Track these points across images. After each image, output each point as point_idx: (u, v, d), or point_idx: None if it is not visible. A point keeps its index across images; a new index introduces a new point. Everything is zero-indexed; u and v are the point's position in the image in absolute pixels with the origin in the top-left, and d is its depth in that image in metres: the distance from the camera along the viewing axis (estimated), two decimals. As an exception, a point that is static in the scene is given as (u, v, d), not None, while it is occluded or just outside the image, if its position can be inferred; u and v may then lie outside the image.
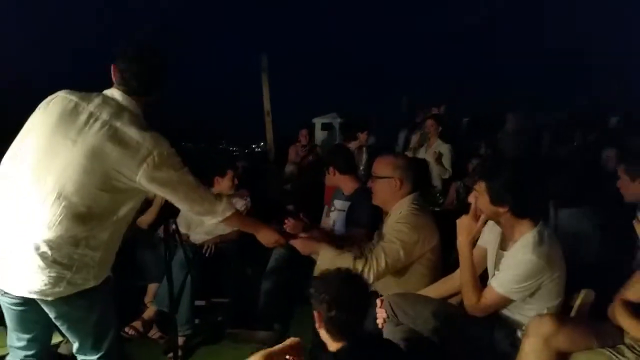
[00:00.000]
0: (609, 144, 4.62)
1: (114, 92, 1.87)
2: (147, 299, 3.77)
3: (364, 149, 5.57)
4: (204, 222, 3.94)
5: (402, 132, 6.85)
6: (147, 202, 4.13)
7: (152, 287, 3.78)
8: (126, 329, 3.42)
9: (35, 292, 1.77)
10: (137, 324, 3.47)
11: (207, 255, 3.72)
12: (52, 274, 1.75)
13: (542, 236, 2.17)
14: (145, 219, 4.03)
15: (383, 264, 2.55)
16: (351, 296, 1.74)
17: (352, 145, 5.47)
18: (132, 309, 3.66)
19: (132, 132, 1.78)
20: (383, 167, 2.79)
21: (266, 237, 2.38)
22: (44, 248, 1.74)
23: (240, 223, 2.33)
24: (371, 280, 2.55)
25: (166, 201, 3.67)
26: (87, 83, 2.00)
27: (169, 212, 3.13)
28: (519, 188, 2.18)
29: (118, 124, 1.78)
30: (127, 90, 1.87)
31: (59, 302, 1.81)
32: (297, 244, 2.74)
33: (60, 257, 1.75)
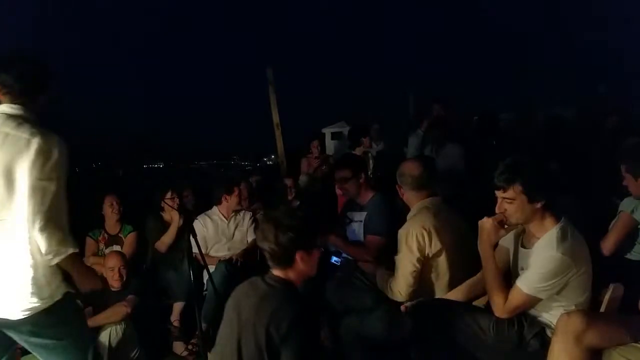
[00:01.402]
0: (631, 132, 4.54)
1: (1, 107, 1.97)
2: (173, 317, 3.81)
3: (369, 154, 5.54)
4: (224, 239, 4.03)
5: (412, 136, 6.80)
6: (164, 225, 4.19)
7: (177, 306, 3.83)
8: (189, 347, 3.56)
9: (3, 312, 1.91)
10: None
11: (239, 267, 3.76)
12: (10, 293, 1.91)
13: (566, 232, 2.16)
14: (164, 241, 4.07)
15: (402, 286, 2.62)
16: None
17: (357, 151, 5.46)
18: (159, 328, 3.73)
19: (20, 132, 1.88)
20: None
21: (85, 283, 2.14)
22: (1, 267, 1.91)
23: (75, 266, 2.04)
24: (402, 298, 2.62)
25: (184, 222, 3.73)
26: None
27: (187, 232, 3.17)
28: (551, 178, 2.23)
29: (7, 129, 1.88)
30: (12, 99, 1.96)
31: (24, 323, 1.93)
32: None
33: (11, 275, 1.91)
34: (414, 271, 2.62)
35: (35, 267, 1.91)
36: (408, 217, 2.82)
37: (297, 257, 1.94)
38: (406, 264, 2.63)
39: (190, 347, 3.54)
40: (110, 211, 4.20)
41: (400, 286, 2.66)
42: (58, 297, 1.98)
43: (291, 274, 1.98)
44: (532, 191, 2.16)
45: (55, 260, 1.91)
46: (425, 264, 2.65)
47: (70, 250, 1.93)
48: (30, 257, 1.90)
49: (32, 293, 1.91)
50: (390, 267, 3.16)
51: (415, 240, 2.61)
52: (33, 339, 1.97)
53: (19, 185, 1.85)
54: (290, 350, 1.78)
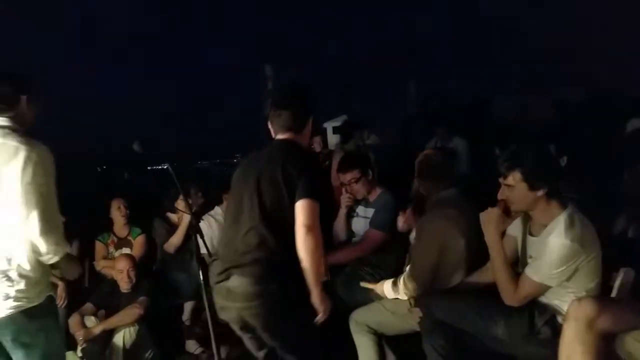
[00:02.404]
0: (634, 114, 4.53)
1: None
2: (185, 316, 3.85)
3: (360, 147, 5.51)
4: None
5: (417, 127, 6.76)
6: (171, 226, 4.22)
7: (188, 306, 3.88)
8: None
9: None
10: None
11: None
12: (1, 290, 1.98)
13: (573, 218, 2.15)
14: (172, 243, 4.10)
15: (420, 276, 2.59)
16: None
17: (349, 145, 5.43)
18: (171, 328, 3.78)
19: (8, 141, 2.00)
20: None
21: (71, 273, 2.32)
22: None
23: (65, 260, 2.15)
24: (419, 289, 2.59)
25: (190, 223, 3.75)
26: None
27: (194, 233, 3.19)
28: (554, 166, 2.20)
29: None
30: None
31: (7, 322, 2.00)
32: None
33: (3, 272, 1.99)
34: (433, 261, 2.59)
35: (27, 267, 2.01)
36: (427, 207, 2.77)
37: (310, 121, 2.30)
38: (426, 254, 2.60)
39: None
40: (118, 214, 4.23)
41: (418, 276, 2.60)
42: (42, 299, 2.07)
43: (297, 139, 2.27)
44: (532, 179, 2.16)
45: (55, 259, 2.04)
46: (444, 254, 2.61)
47: (67, 249, 2.10)
48: (24, 258, 1.99)
49: (20, 292, 2.00)
50: (385, 267, 3.18)
51: (437, 230, 2.59)
52: (13, 341, 2.04)
53: (9, 191, 1.95)
54: (307, 180, 2.05)
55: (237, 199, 2.20)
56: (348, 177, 3.31)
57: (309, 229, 1.98)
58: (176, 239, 4.08)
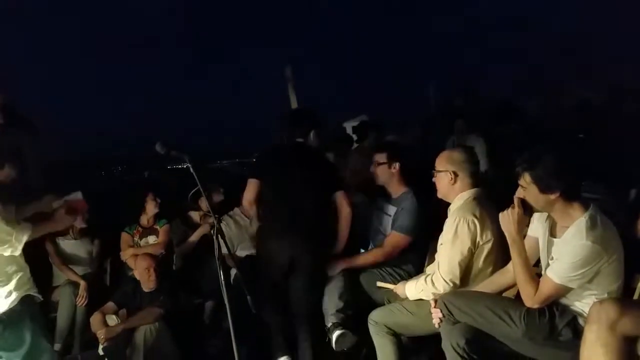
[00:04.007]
0: None
1: None
2: (205, 315, 3.93)
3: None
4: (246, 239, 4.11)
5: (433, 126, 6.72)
6: (191, 227, 4.28)
7: (208, 305, 3.95)
8: None
9: None
10: None
11: None
12: None
13: (595, 219, 2.12)
14: (186, 247, 4.18)
15: (448, 275, 2.58)
16: None
17: (364, 145, 5.42)
18: (192, 326, 3.79)
19: None
20: (441, 160, 2.78)
21: (60, 226, 2.34)
22: None
23: (39, 231, 2.20)
24: (446, 289, 2.58)
25: (212, 223, 3.79)
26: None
27: (215, 234, 3.24)
28: (567, 169, 2.15)
29: None
30: None
31: None
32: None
33: None
34: (462, 260, 2.57)
35: None
36: (452, 207, 2.74)
37: None
38: (455, 253, 2.57)
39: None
40: (153, 205, 4.33)
41: (445, 276, 2.58)
42: (15, 303, 2.06)
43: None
44: (542, 182, 2.15)
45: (19, 249, 2.03)
46: (474, 254, 2.60)
47: (25, 238, 2.04)
48: None
49: None
50: (405, 268, 3.21)
51: (467, 228, 2.56)
52: None
53: None
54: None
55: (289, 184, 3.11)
56: (377, 157, 3.40)
57: None
58: (190, 242, 4.17)
